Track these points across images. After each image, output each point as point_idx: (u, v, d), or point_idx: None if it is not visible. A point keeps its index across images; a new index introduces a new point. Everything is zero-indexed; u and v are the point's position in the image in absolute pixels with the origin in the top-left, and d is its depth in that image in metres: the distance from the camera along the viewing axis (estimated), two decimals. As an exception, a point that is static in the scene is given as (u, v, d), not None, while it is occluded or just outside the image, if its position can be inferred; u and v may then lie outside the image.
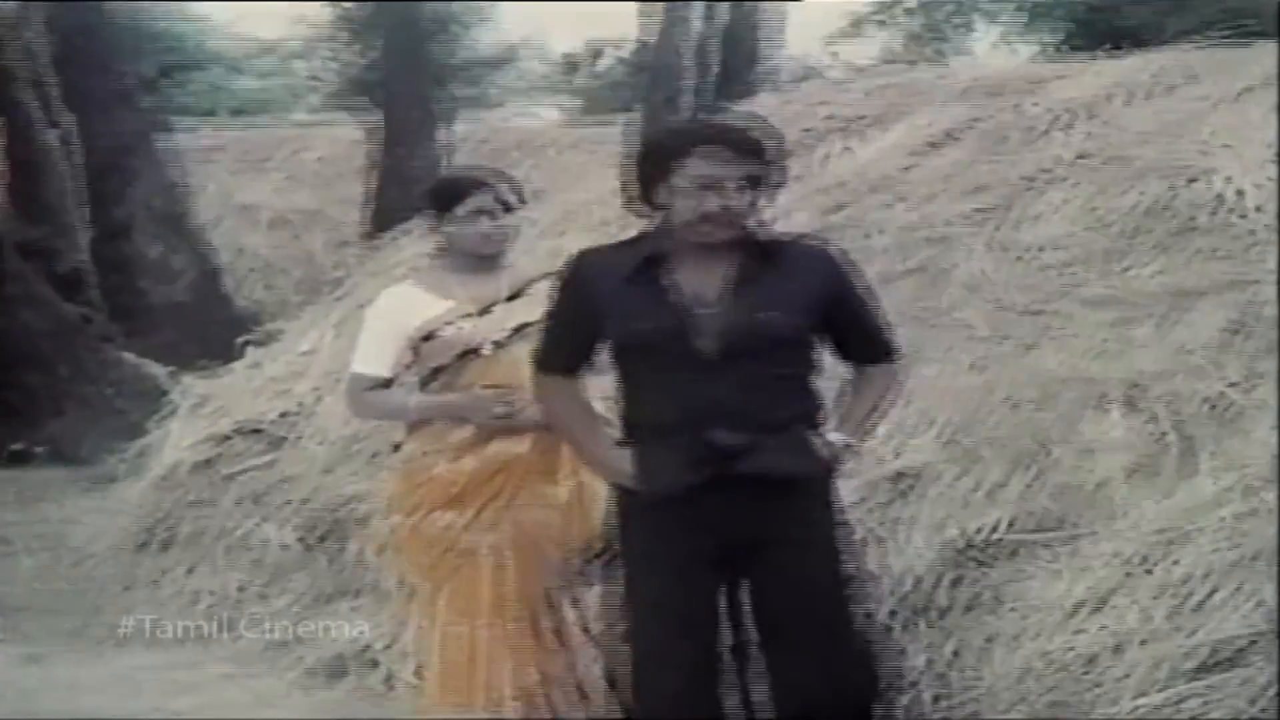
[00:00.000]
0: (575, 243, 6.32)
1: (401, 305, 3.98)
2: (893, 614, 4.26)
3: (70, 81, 12.12)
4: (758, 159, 3.27)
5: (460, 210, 3.91)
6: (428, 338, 3.90)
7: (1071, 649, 3.72)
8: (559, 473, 3.88)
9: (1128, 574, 3.82)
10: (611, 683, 3.88)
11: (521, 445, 3.86)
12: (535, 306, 3.91)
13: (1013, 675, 3.78)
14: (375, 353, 3.97)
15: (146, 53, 12.39)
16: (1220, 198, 5.22)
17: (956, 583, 4.28)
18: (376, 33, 14.86)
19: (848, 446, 3.38)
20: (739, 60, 13.81)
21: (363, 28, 15.84)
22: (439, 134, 12.95)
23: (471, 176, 4.04)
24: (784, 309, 3.26)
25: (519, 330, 3.87)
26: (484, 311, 3.89)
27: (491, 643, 3.83)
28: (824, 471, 3.35)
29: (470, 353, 3.87)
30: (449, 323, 3.89)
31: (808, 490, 3.35)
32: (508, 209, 3.93)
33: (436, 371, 3.93)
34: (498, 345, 3.86)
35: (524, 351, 3.84)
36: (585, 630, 3.90)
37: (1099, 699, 3.56)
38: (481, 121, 16.41)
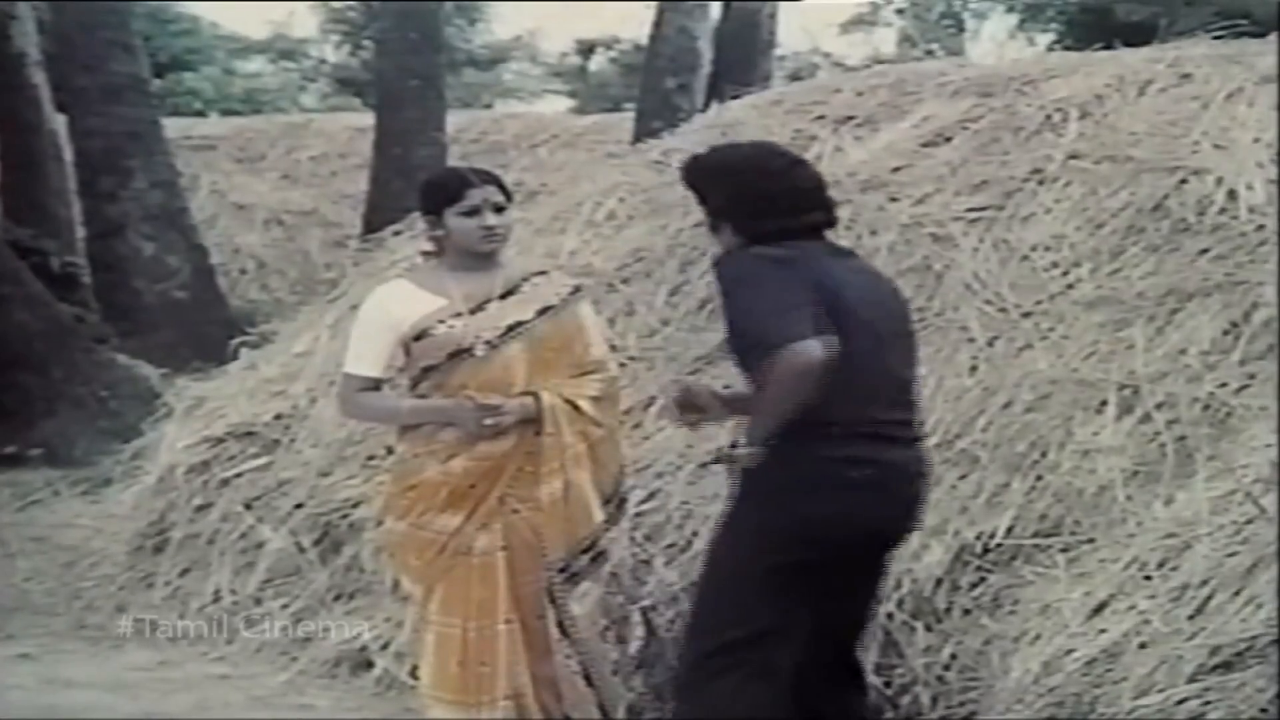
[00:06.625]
0: (574, 240, 6.33)
1: (394, 303, 3.93)
2: (890, 616, 4.27)
3: (63, 79, 12.10)
4: None
5: (454, 209, 3.89)
6: (419, 337, 3.86)
7: (1070, 651, 3.72)
8: (541, 472, 3.85)
9: (1127, 578, 3.83)
10: (589, 681, 3.89)
11: (507, 443, 3.84)
12: (528, 305, 3.90)
13: (1011, 677, 3.78)
14: (367, 352, 3.93)
15: (140, 50, 12.26)
16: (1213, 199, 5.23)
17: (956, 586, 4.29)
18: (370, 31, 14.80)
19: None
20: (730, 59, 13.80)
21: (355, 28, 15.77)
22: (434, 133, 12.91)
23: (463, 176, 4.02)
24: None
25: (511, 330, 3.85)
26: (476, 310, 3.85)
27: (482, 644, 3.82)
28: None
29: (462, 353, 3.83)
30: (441, 321, 3.85)
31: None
32: (498, 209, 3.93)
33: (427, 371, 3.89)
34: (490, 346, 3.83)
35: (516, 351, 3.84)
36: (561, 629, 3.88)
37: (1098, 700, 3.56)
38: (478, 118, 16.33)
